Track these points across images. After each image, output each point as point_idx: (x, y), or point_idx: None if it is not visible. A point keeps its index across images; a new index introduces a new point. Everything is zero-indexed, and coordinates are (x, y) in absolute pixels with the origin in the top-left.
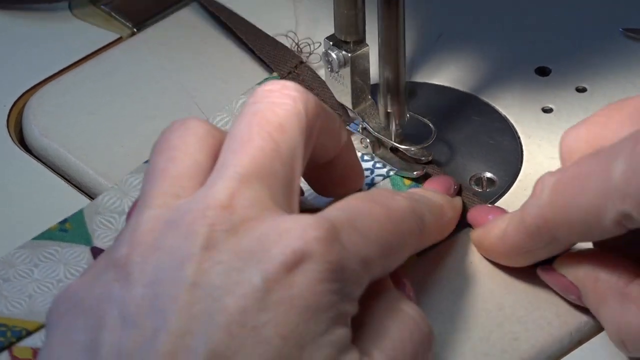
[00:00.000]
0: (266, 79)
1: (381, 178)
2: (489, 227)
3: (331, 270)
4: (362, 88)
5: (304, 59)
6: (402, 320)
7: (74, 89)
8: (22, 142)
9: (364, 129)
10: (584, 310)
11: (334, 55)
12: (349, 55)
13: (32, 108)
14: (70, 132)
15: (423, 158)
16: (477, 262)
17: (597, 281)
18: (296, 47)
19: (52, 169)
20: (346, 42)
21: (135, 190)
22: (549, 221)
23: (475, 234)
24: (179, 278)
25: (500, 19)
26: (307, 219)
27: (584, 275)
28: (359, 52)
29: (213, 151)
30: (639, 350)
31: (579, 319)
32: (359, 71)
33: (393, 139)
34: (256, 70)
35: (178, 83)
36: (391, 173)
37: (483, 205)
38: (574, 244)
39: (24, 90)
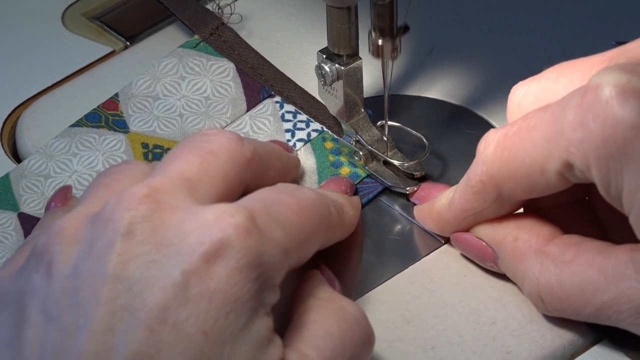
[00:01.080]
0: (187, 43)
1: (302, 143)
2: (435, 199)
3: (250, 256)
4: (355, 101)
5: (225, 21)
6: (344, 318)
7: (67, 102)
8: (15, 155)
9: (357, 141)
10: (577, 324)
11: (327, 69)
12: (342, 68)
13: (25, 121)
14: None
15: (416, 173)
16: (470, 275)
17: (516, 240)
18: (217, 8)
19: None
20: (339, 56)
21: (60, 154)
22: (494, 176)
23: (420, 207)
24: (99, 270)
25: (492, 32)
26: (224, 206)
27: (502, 236)
28: (352, 65)
29: None
30: (556, 308)
31: (572, 332)
32: (352, 84)
33: (387, 152)
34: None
35: None
36: (312, 136)
37: (428, 183)
38: (519, 202)
39: (17, 104)
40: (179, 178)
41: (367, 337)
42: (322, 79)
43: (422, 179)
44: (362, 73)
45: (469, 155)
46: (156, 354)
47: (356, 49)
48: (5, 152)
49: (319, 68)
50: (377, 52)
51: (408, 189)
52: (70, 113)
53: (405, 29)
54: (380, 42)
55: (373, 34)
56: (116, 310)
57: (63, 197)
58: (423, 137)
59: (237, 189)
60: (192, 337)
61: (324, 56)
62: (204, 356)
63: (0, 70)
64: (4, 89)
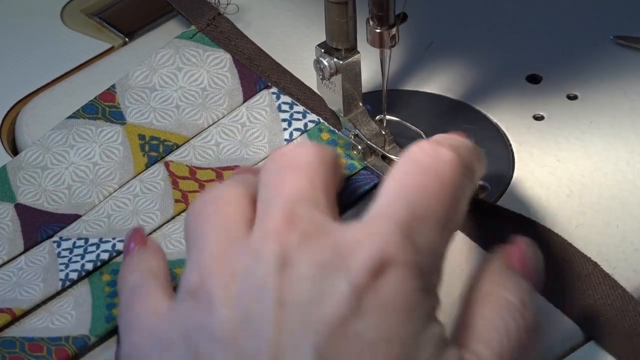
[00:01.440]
0: (183, 34)
1: (299, 133)
2: None
3: (412, 269)
4: (353, 95)
5: (222, 11)
6: (505, 309)
7: (66, 99)
8: (14, 151)
9: (356, 135)
10: (567, 324)
11: (325, 63)
12: (341, 62)
13: (25, 117)
14: None
15: None
16: (468, 270)
17: None
18: None
19: None
20: (337, 50)
21: (57, 146)
22: None
23: None
24: (263, 298)
25: (490, 27)
26: (373, 227)
27: None
28: (350, 59)
29: (252, 201)
30: None
31: (561, 333)
32: (350, 78)
33: (384, 147)
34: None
35: None
36: (309, 126)
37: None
38: None
39: (16, 100)
40: (301, 201)
41: (532, 327)
42: (321, 73)
43: None
44: (360, 67)
45: None
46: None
47: (354, 43)
48: (4, 148)
49: (317, 62)
50: (375, 41)
51: None
52: (70, 109)
53: (404, 17)
54: (378, 30)
55: (371, 22)
56: (292, 330)
57: (141, 238)
58: (421, 132)
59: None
60: (377, 345)
61: (322, 50)
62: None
63: (0, 67)
64: (3, 85)
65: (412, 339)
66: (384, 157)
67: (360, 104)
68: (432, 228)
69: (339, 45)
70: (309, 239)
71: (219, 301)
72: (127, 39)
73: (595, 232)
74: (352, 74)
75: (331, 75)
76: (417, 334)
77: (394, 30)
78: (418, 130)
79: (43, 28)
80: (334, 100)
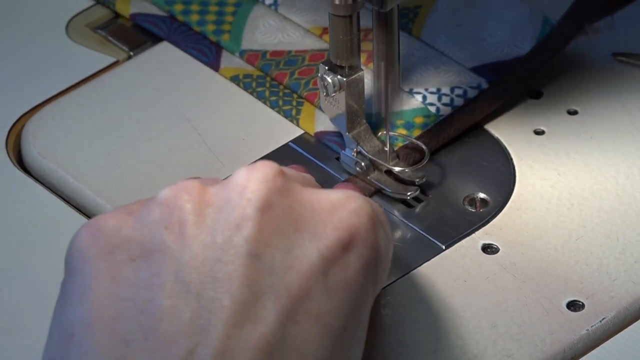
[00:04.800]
0: None
1: None
2: None
3: (376, 249)
4: (356, 112)
5: None
6: None
7: (71, 111)
8: (20, 163)
9: (359, 152)
10: (577, 328)
11: (329, 80)
12: (344, 79)
13: (31, 130)
14: (68, 154)
15: (417, 180)
16: (470, 280)
17: None
18: None
19: (50, 189)
20: (341, 67)
21: None
22: None
23: None
24: (239, 244)
25: None
26: (351, 193)
27: None
28: (354, 76)
29: None
30: None
31: (572, 336)
32: (353, 95)
33: (388, 162)
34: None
35: (173, 106)
36: None
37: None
38: None
39: (22, 113)
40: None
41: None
42: (325, 90)
43: (423, 186)
44: (363, 84)
45: (469, 163)
46: (302, 344)
47: (358, 60)
48: (10, 160)
49: (321, 79)
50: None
51: (409, 193)
52: (75, 122)
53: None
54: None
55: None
56: (259, 292)
57: None
58: (422, 145)
59: None
60: (335, 332)
61: (327, 67)
62: (343, 352)
63: (6, 80)
64: (9, 98)
65: (362, 327)
66: (387, 172)
67: (364, 121)
68: (385, 226)
69: (343, 63)
70: (294, 190)
71: (191, 233)
72: (131, 53)
73: (595, 244)
74: (355, 91)
75: (335, 92)
76: (364, 320)
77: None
78: (420, 143)
79: (48, 42)
80: (338, 117)
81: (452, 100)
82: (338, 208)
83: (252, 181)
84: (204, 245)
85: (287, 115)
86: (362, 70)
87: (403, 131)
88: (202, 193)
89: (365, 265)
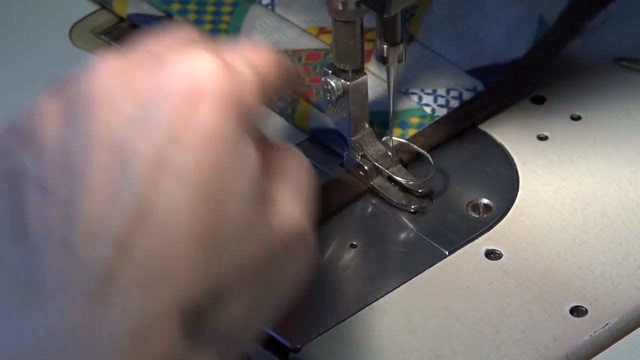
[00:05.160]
0: None
1: None
2: None
3: (229, 95)
4: (360, 116)
5: None
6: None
7: None
8: None
9: (363, 156)
10: (580, 334)
11: (332, 84)
12: (348, 83)
13: None
14: None
15: (420, 190)
16: (473, 286)
17: None
18: None
19: None
20: (345, 71)
21: None
22: None
23: None
24: (88, 139)
25: None
26: (192, 53)
27: None
28: (358, 80)
29: None
30: None
31: (575, 342)
32: (357, 99)
33: (391, 167)
34: None
35: None
36: None
37: None
38: None
39: None
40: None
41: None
42: (328, 94)
43: (426, 196)
44: (367, 88)
45: (472, 169)
46: (162, 205)
47: (362, 64)
48: None
49: (324, 83)
50: (382, 58)
51: (413, 207)
52: None
53: (411, 37)
54: (385, 48)
55: (378, 40)
56: (112, 171)
57: None
58: (428, 155)
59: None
60: (195, 181)
61: (330, 71)
62: (210, 198)
63: (9, 85)
64: (12, 102)
65: (230, 170)
66: (389, 179)
67: (367, 125)
68: (254, 68)
69: (346, 67)
70: (135, 75)
71: (42, 143)
72: None
73: (598, 250)
74: (359, 95)
75: (339, 96)
76: (233, 162)
77: (400, 49)
78: (426, 153)
79: (52, 47)
80: (341, 121)
81: (447, 101)
82: (178, 74)
83: (90, 81)
84: (56, 152)
85: (282, 113)
86: (366, 74)
87: (398, 130)
88: (48, 105)
89: (221, 112)
